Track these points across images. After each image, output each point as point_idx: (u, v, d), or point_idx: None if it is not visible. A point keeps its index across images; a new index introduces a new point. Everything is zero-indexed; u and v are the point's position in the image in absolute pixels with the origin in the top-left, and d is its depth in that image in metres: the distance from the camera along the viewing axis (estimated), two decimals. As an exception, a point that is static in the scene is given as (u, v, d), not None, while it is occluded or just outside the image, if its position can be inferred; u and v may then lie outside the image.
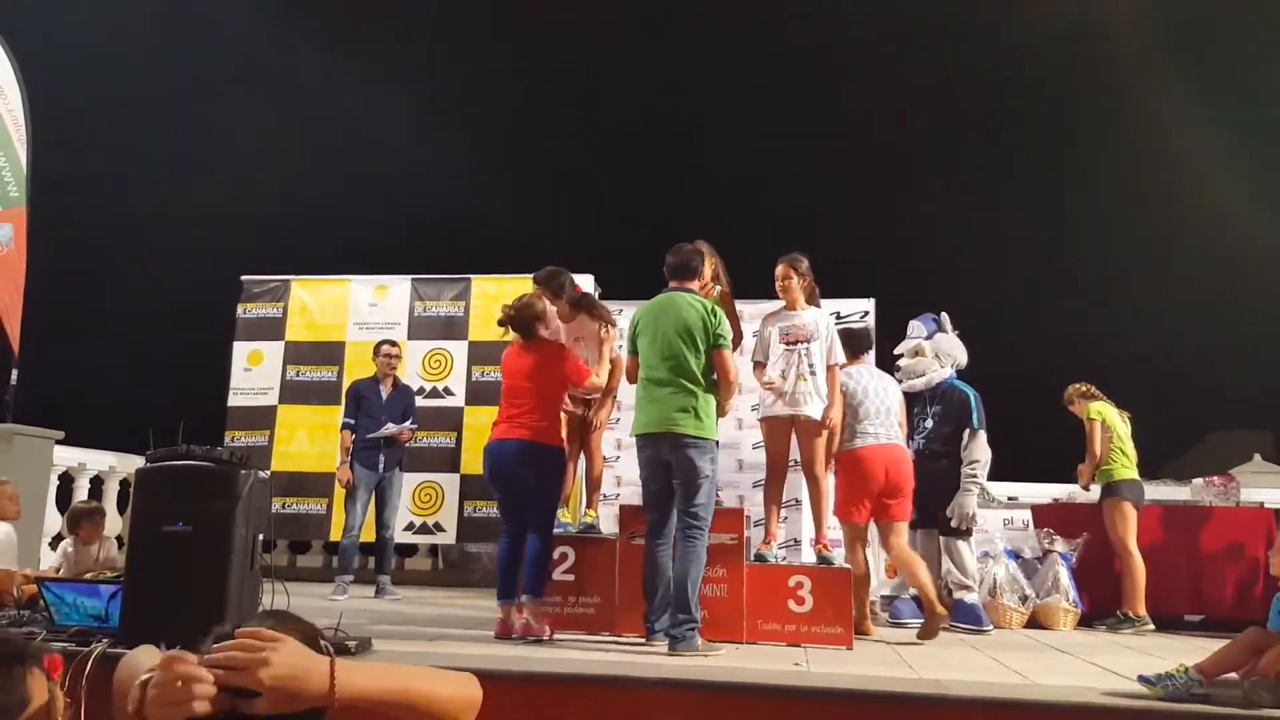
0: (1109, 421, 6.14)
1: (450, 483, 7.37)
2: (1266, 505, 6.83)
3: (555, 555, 4.76)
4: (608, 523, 5.66)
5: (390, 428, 6.50)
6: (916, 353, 5.98)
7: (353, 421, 6.53)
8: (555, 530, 4.99)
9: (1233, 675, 3.16)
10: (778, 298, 5.29)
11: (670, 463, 4.22)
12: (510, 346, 4.69)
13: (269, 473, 6.31)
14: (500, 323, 4.68)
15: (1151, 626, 5.72)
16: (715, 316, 4.31)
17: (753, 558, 4.85)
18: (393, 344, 6.83)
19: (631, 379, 4.53)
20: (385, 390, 6.67)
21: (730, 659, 3.97)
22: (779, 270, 5.16)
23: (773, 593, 4.62)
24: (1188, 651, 3.37)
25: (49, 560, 6.07)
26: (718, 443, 4.39)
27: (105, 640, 3.34)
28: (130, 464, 7.30)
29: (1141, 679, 3.16)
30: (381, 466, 6.50)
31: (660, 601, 4.23)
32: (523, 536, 4.42)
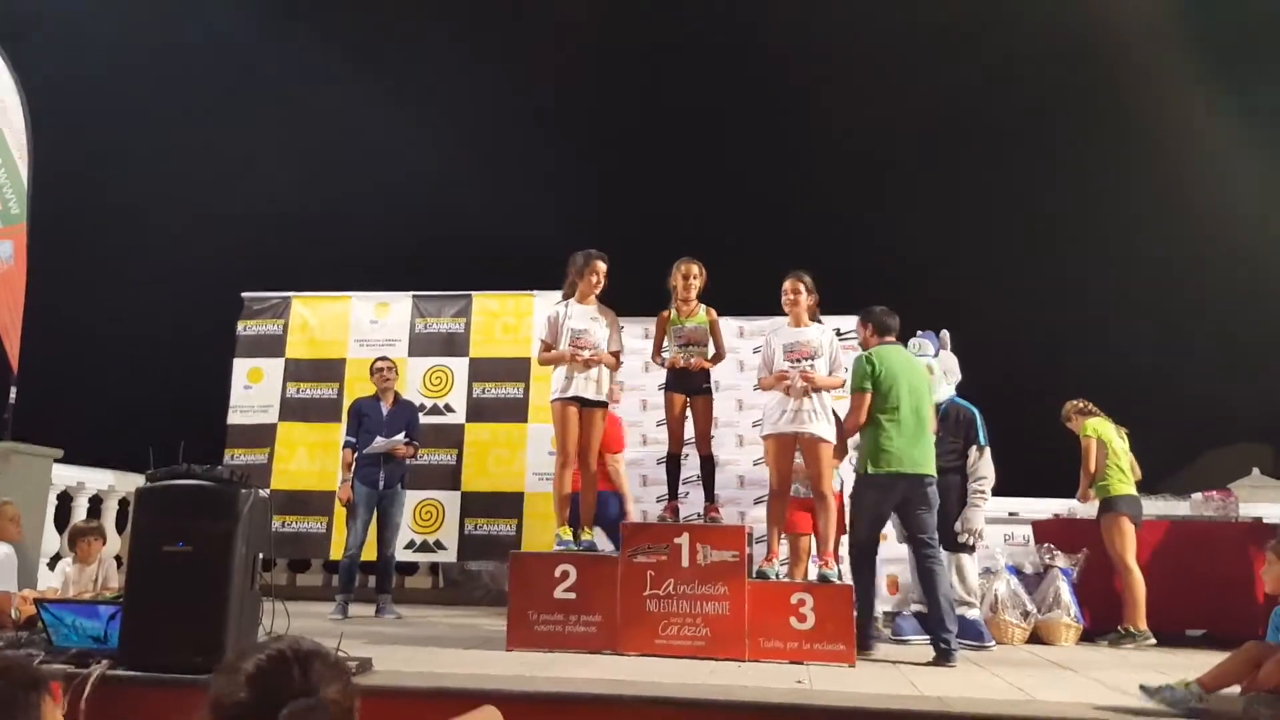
0: (1105, 437, 6.15)
1: (451, 500, 7.35)
2: (1265, 520, 6.84)
3: (556, 574, 4.76)
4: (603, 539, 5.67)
5: (380, 442, 6.40)
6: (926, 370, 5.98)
7: (354, 440, 6.50)
8: (556, 548, 5.00)
9: (1234, 689, 3.16)
10: (774, 314, 5.30)
11: (910, 499, 4.87)
12: None
13: (269, 491, 6.32)
14: None
15: (1153, 641, 5.71)
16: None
17: (754, 575, 4.84)
18: (385, 359, 6.81)
19: (860, 418, 4.97)
20: (386, 406, 6.63)
21: (732, 676, 3.96)
22: (787, 285, 5.17)
23: (775, 610, 4.61)
24: (1189, 667, 3.37)
25: (47, 580, 6.06)
26: None
27: (105, 662, 3.33)
28: (130, 483, 7.28)
29: (1143, 689, 3.17)
30: (382, 484, 6.43)
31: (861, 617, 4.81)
32: None
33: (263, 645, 1.26)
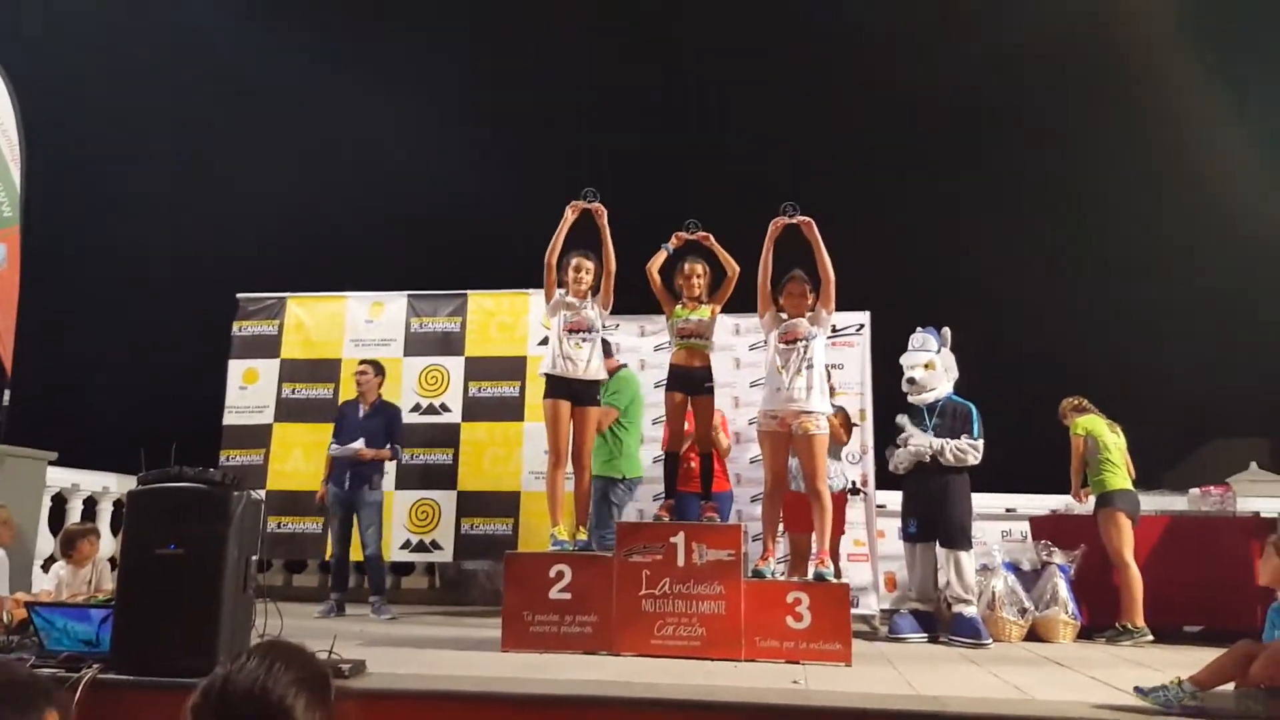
0: (1096, 434, 6.16)
1: (447, 500, 7.32)
2: (1263, 514, 6.83)
3: (551, 574, 4.74)
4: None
5: (334, 448, 6.55)
6: (928, 366, 5.98)
7: (335, 442, 6.64)
8: (551, 549, 4.99)
9: (1227, 686, 3.16)
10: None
11: None
12: None
13: (264, 492, 6.31)
14: None
15: (1150, 637, 5.71)
16: None
17: (750, 574, 4.83)
18: (367, 363, 6.89)
19: None
20: (363, 408, 6.71)
21: (730, 677, 3.94)
22: (792, 286, 5.19)
23: (771, 609, 4.59)
24: (1186, 664, 3.36)
25: (41, 583, 6.03)
26: None
27: (95, 666, 3.31)
28: (125, 485, 7.26)
29: (1137, 690, 3.17)
30: (348, 485, 6.52)
31: None
32: None
33: (244, 677, 1.27)
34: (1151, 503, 6.68)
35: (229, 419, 7.58)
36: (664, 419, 5.62)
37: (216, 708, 1.26)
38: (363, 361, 6.96)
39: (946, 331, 6.08)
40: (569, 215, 5.19)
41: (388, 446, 6.66)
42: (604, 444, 6.08)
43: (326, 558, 7.16)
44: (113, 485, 7.41)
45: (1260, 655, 3.11)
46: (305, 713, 1.27)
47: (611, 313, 5.43)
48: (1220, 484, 7.17)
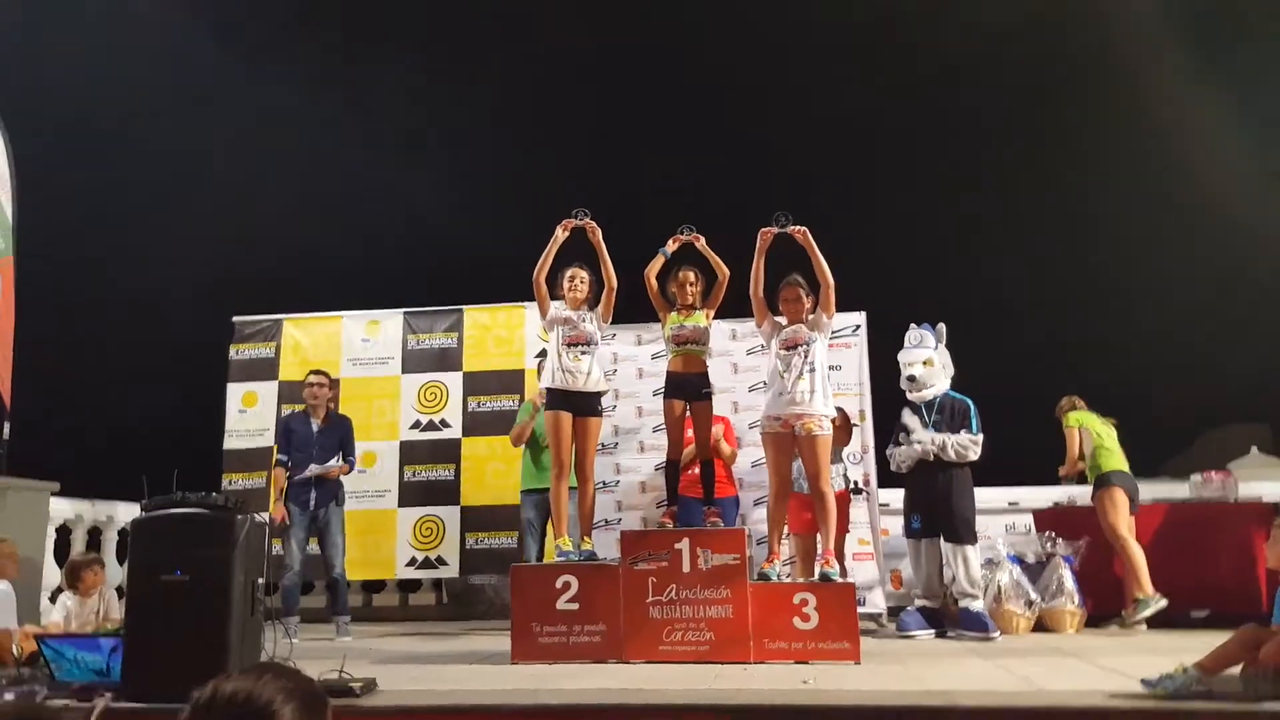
0: (1090, 426, 6.21)
1: (451, 515, 7.33)
2: (1265, 499, 6.85)
3: (558, 585, 4.75)
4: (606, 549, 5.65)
5: (313, 469, 6.32)
6: (926, 363, 6.01)
7: (285, 458, 6.38)
8: (557, 559, 5.00)
9: (1233, 670, 3.18)
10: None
11: None
12: None
13: (267, 515, 6.29)
14: None
15: (1165, 602, 5.69)
16: None
17: (756, 577, 4.84)
18: (320, 374, 6.67)
19: None
20: (316, 423, 6.51)
21: (739, 680, 3.95)
22: (787, 292, 5.20)
23: (778, 611, 4.60)
24: (1193, 649, 3.37)
25: (48, 615, 6.02)
26: None
27: (108, 695, 3.32)
28: (130, 513, 7.26)
29: (1144, 683, 3.18)
30: (313, 504, 6.32)
31: None
32: None
33: (232, 686, 1.29)
34: (1153, 490, 6.71)
35: (229, 443, 7.59)
36: (664, 427, 5.62)
37: (205, 716, 1.27)
38: (316, 372, 6.69)
39: (942, 327, 6.11)
40: (559, 234, 5.20)
41: (343, 460, 6.50)
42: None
43: (284, 581, 6.31)
44: (116, 514, 7.40)
45: (1271, 640, 3.12)
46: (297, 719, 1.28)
47: (611, 324, 5.45)
48: (1221, 470, 7.19)
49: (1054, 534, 6.21)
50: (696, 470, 5.59)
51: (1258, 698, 3.01)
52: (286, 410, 7.40)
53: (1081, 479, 6.35)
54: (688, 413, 5.33)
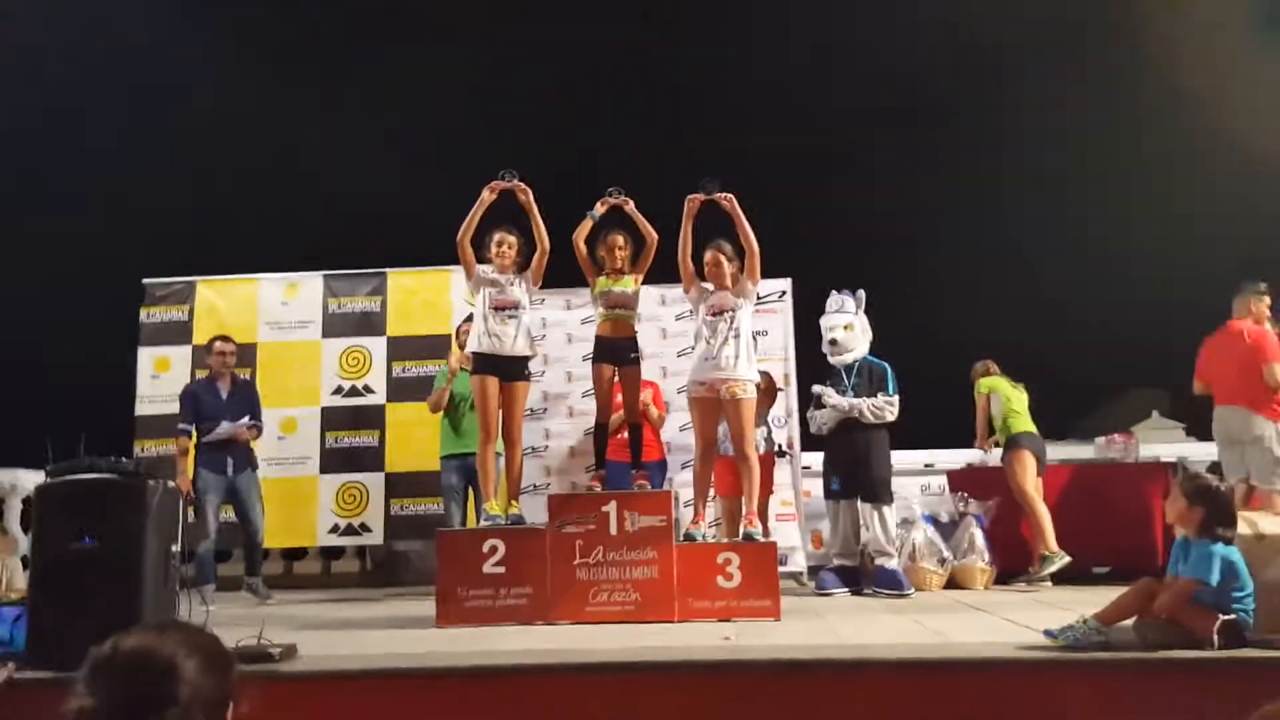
0: (999, 390, 6.43)
1: (375, 482, 7.24)
2: (1162, 459, 7.22)
3: (484, 549, 4.74)
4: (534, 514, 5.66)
5: (225, 427, 6.14)
6: (847, 328, 6.12)
7: (189, 427, 6.16)
8: (484, 523, 4.99)
9: (1129, 621, 3.36)
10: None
11: None
12: None
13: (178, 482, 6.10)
14: None
15: (1069, 559, 5.95)
16: None
17: (682, 538, 4.91)
18: (227, 340, 6.47)
19: None
20: (224, 389, 6.33)
21: (663, 638, 4.02)
22: (709, 257, 5.22)
23: (702, 571, 4.68)
24: (1093, 602, 3.56)
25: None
26: None
27: (11, 665, 3.20)
28: (34, 480, 6.97)
29: (1046, 633, 3.33)
30: (230, 469, 6.16)
31: None
32: None
33: (133, 640, 1.27)
34: (1060, 451, 7.00)
35: (141, 409, 7.34)
36: (593, 392, 5.63)
37: (105, 672, 1.25)
38: (224, 338, 6.46)
39: (861, 294, 6.23)
40: (486, 196, 5.09)
41: (251, 424, 6.33)
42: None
43: (199, 550, 6.13)
44: (19, 480, 7.10)
45: (1164, 591, 3.31)
46: (198, 675, 1.25)
47: (541, 289, 5.40)
48: (1124, 432, 7.55)
49: (966, 494, 6.45)
50: (625, 435, 5.62)
51: (1149, 646, 3.20)
52: (201, 374, 7.17)
53: (990, 434, 6.56)
54: (616, 377, 5.34)
